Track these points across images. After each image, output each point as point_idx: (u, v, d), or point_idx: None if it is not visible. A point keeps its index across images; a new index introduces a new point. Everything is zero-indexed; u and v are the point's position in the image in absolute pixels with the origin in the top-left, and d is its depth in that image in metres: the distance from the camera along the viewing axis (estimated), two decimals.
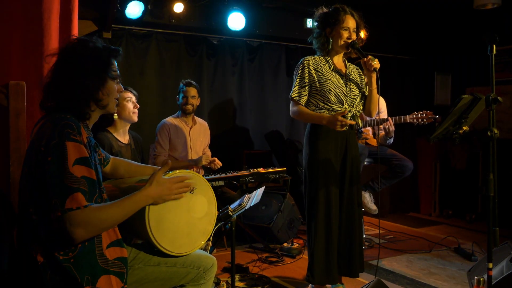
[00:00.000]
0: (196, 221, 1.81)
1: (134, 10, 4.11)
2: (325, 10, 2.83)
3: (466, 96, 2.11)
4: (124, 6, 4.06)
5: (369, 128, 4.07)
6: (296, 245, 3.92)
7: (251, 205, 2.45)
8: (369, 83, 2.82)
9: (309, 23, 5.08)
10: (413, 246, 4.22)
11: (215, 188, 3.35)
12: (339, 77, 2.80)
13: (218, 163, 3.61)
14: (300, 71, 2.80)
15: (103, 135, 2.84)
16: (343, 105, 2.78)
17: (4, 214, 1.84)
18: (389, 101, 4.25)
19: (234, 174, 3.62)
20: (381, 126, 3.71)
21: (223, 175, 3.59)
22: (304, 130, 3.04)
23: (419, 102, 5.83)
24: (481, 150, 5.35)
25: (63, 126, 1.50)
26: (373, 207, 4.07)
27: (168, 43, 4.60)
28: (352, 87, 2.83)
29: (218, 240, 3.86)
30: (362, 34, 2.86)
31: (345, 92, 2.79)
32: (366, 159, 4.03)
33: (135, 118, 2.98)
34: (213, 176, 3.53)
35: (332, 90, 2.75)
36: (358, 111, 2.86)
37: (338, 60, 2.87)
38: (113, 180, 2.01)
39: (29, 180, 1.53)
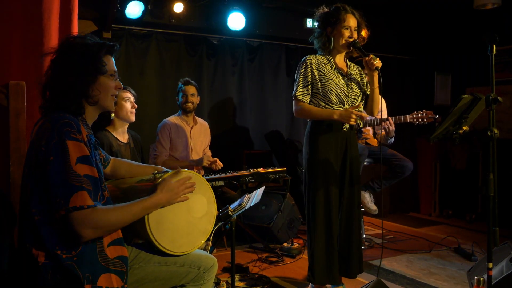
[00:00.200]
0: (196, 221, 1.82)
1: (134, 10, 4.11)
2: (326, 9, 2.83)
3: (466, 96, 2.11)
4: (124, 6, 4.07)
5: (369, 128, 4.07)
6: (296, 245, 3.92)
7: (251, 205, 2.45)
8: (371, 83, 2.83)
9: (309, 23, 5.09)
10: (413, 246, 4.22)
11: (215, 188, 3.35)
12: (340, 77, 2.80)
13: (220, 164, 3.61)
14: (303, 70, 2.79)
15: (102, 134, 2.86)
16: (344, 105, 2.78)
17: (4, 214, 1.84)
18: (389, 101, 4.24)
19: (234, 174, 3.62)
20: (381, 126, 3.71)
21: (223, 175, 3.59)
22: (304, 130, 3.04)
23: (419, 102, 5.83)
24: (481, 150, 5.34)
25: (62, 125, 1.50)
26: (373, 207, 4.07)
27: (168, 43, 4.61)
28: (353, 87, 2.83)
29: (218, 240, 3.86)
30: (363, 33, 2.86)
31: (346, 93, 2.79)
32: (366, 159, 4.03)
33: (133, 118, 3.00)
34: (213, 176, 3.52)
35: (333, 90, 2.75)
36: (359, 111, 2.86)
37: (340, 59, 2.87)
38: (113, 180, 2.01)
39: (29, 180, 1.53)
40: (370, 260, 3.67)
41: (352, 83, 2.83)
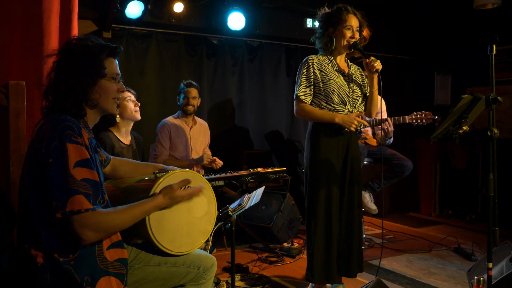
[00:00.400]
0: (196, 221, 1.82)
1: (134, 10, 4.11)
2: (327, 10, 2.83)
3: (466, 96, 2.11)
4: (124, 6, 4.07)
5: (368, 128, 4.07)
6: (296, 245, 3.92)
7: (251, 205, 2.45)
8: (371, 84, 2.83)
9: (309, 23, 5.09)
10: (413, 246, 4.22)
11: (215, 188, 3.35)
12: (342, 78, 2.80)
13: (219, 162, 3.63)
14: (305, 70, 2.79)
15: (105, 135, 2.83)
16: (345, 105, 2.78)
17: (4, 214, 1.84)
18: (389, 101, 4.25)
19: (234, 174, 3.62)
20: (380, 126, 3.71)
21: (223, 175, 3.59)
22: (304, 130, 3.04)
23: (419, 102, 5.84)
24: (481, 150, 5.34)
25: (64, 128, 1.49)
26: (373, 206, 4.07)
27: (168, 43, 4.60)
28: (354, 87, 2.83)
29: (218, 240, 3.86)
30: (365, 33, 2.86)
31: (347, 93, 2.79)
32: (366, 159, 4.03)
33: (138, 116, 2.95)
34: (213, 176, 3.53)
35: (335, 90, 2.75)
36: (360, 112, 2.87)
37: (341, 60, 2.87)
38: (113, 180, 2.00)
39: (29, 181, 1.53)
40: (370, 260, 3.67)
41: (353, 84, 2.83)
